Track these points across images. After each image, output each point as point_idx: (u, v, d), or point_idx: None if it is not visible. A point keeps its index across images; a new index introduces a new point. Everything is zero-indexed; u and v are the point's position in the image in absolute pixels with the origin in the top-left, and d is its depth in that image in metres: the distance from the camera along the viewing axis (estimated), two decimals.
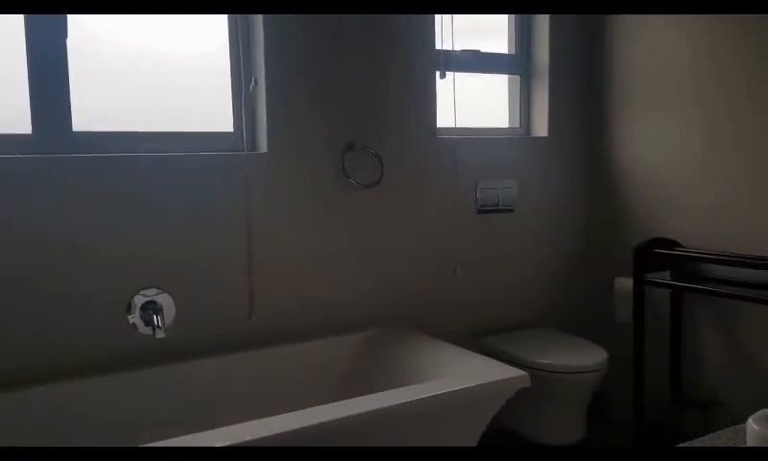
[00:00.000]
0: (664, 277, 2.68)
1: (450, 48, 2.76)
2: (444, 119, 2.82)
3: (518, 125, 3.06)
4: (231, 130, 2.41)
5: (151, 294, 2.17)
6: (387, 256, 2.64)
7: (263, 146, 2.39)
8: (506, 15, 3.02)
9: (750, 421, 0.64)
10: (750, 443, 0.61)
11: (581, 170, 3.08)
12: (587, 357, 2.52)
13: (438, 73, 2.71)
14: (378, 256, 2.62)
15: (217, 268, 2.31)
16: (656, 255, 2.62)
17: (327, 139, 2.49)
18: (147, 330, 2.16)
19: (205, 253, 2.29)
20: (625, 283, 2.82)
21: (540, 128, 3.01)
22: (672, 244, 2.66)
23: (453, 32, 2.76)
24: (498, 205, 2.87)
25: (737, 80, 2.46)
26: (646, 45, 2.78)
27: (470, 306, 2.85)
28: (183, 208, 2.24)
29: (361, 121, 2.56)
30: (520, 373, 1.96)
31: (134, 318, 2.16)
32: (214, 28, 2.38)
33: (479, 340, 2.78)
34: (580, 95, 3.04)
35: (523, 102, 3.05)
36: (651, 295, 2.73)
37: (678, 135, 2.68)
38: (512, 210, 2.91)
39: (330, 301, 2.53)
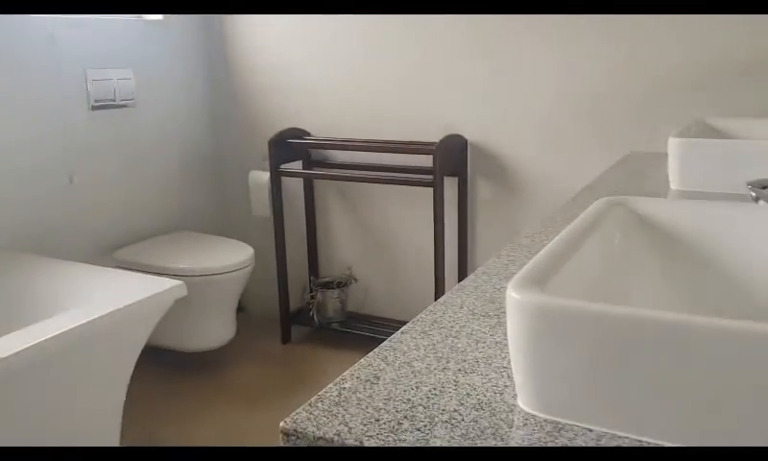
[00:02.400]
0: (298, 167, 2.72)
1: None
2: None
3: None
4: None
5: None
6: None
7: None
8: None
9: (509, 290, 0.60)
10: (510, 313, 0.58)
11: (204, 59, 2.87)
12: (233, 255, 2.43)
13: None
14: None
15: None
16: (288, 146, 2.62)
17: None
18: None
19: None
20: (259, 177, 2.79)
21: None
22: (303, 134, 2.69)
23: None
24: (115, 99, 2.49)
25: None
26: None
27: (95, 218, 2.48)
28: None
29: None
30: (175, 282, 1.76)
31: None
32: None
33: (111, 255, 2.46)
34: None
35: None
36: (285, 186, 2.75)
37: (301, 25, 2.66)
38: (132, 105, 2.57)
39: None
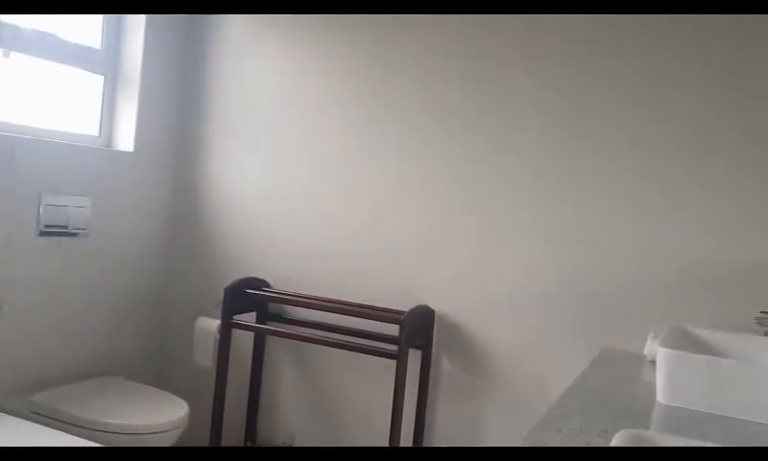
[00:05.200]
0: (251, 318, 2.55)
1: (19, 23, 2.17)
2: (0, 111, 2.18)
3: (97, 133, 2.58)
4: None
5: None
6: None
7: None
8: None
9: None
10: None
11: (170, 196, 2.76)
12: (166, 413, 2.18)
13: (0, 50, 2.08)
14: None
15: None
16: (245, 296, 2.47)
17: None
18: None
19: None
20: (206, 324, 2.60)
21: (125, 141, 2.59)
22: (262, 284, 2.55)
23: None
24: (68, 227, 2.33)
25: (338, 125, 2.51)
26: (252, 71, 2.65)
27: (19, 354, 2.22)
28: None
29: None
30: (83, 442, 1.52)
31: None
32: None
33: (27, 397, 2.17)
34: (175, 111, 2.74)
35: (106, 108, 2.59)
36: (233, 337, 2.55)
37: (274, 172, 2.60)
38: (84, 235, 2.40)
39: None
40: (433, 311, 2.34)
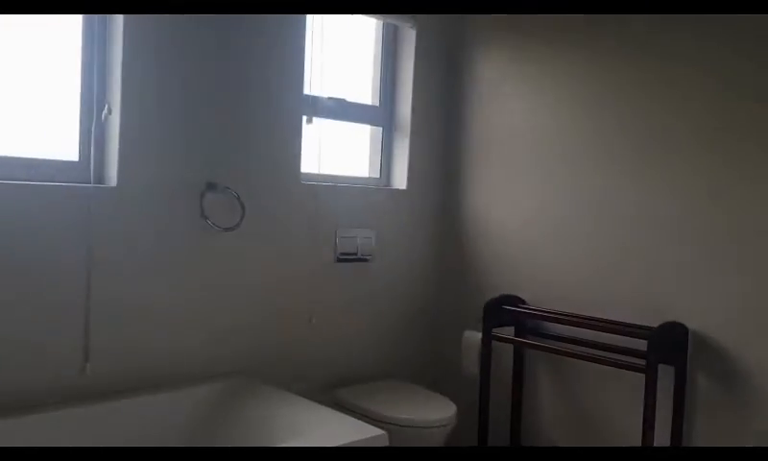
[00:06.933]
0: (510, 332, 2.81)
1: (318, 94, 2.75)
2: (306, 164, 2.78)
3: (379, 175, 3.09)
4: (76, 159, 2.20)
5: None
6: (241, 304, 2.52)
7: (112, 180, 2.20)
8: (372, 68, 3.07)
9: None
10: None
11: (437, 224, 3.17)
12: (438, 411, 2.55)
13: (305, 118, 2.67)
14: (231, 304, 2.49)
15: (48, 311, 2.07)
16: (503, 312, 2.74)
17: (186, 177, 2.34)
18: None
19: (36, 294, 2.04)
20: (472, 337, 2.92)
21: (400, 180, 3.06)
22: (518, 301, 2.80)
23: (321, 78, 2.76)
24: (357, 254, 2.86)
25: (589, 148, 2.67)
26: (504, 106, 2.94)
27: (324, 357, 2.79)
28: (10, 244, 1.99)
29: (224, 160, 2.44)
30: (378, 432, 1.93)
31: None
32: (62, 46, 2.17)
33: (332, 392, 2.72)
34: (439, 150, 3.15)
35: (384, 153, 3.10)
36: (496, 348, 2.84)
37: (528, 197, 2.84)
38: (369, 260, 2.91)
39: (176, 350, 2.35)
40: (686, 328, 2.35)
